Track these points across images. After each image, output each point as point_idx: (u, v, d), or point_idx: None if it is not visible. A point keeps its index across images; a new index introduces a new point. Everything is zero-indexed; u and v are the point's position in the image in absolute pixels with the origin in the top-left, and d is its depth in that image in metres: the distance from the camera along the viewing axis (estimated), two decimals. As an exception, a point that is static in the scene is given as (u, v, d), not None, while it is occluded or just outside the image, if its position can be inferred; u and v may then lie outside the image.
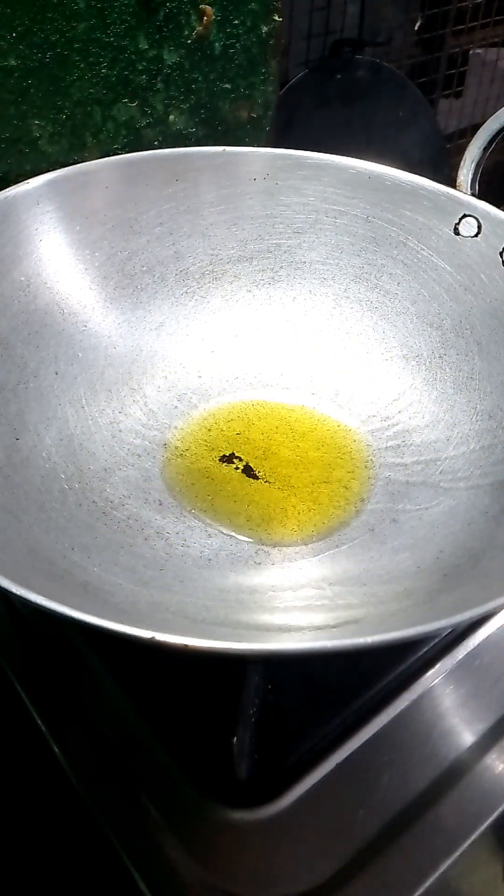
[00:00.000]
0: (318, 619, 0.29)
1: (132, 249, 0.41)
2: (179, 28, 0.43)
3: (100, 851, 0.29)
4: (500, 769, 0.31)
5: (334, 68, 0.82)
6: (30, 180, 0.37)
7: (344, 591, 0.30)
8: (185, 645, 0.21)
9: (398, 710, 0.32)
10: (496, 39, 0.99)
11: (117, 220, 0.40)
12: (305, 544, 0.34)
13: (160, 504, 0.35)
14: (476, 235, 0.38)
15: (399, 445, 0.38)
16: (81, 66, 0.41)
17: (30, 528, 0.29)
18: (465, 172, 0.41)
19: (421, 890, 0.28)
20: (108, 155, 0.41)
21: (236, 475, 0.37)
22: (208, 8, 0.43)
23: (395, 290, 0.41)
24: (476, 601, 0.23)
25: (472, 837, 0.29)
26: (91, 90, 0.42)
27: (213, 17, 0.43)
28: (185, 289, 0.42)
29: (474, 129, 0.40)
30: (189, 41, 0.44)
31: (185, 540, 0.33)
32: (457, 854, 0.28)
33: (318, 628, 0.28)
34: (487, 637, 0.35)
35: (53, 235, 0.38)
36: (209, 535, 0.34)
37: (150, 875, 0.28)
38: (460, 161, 0.41)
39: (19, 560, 0.27)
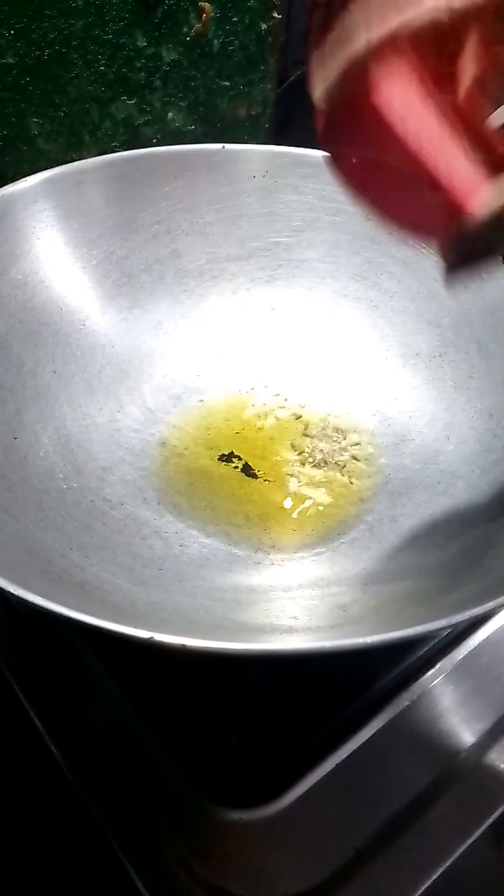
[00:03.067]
0: (318, 619, 0.29)
1: (130, 248, 0.40)
2: (178, 25, 0.43)
3: (98, 851, 0.29)
4: (500, 769, 0.31)
5: (333, 66, 0.82)
6: (27, 178, 0.37)
7: (343, 591, 0.30)
8: (184, 645, 0.21)
9: (398, 710, 0.32)
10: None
11: (115, 218, 0.40)
12: (304, 544, 0.34)
13: (158, 503, 0.35)
14: (475, 233, 0.38)
15: (399, 445, 0.38)
16: (79, 63, 0.41)
17: (27, 528, 0.29)
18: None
19: (421, 890, 0.27)
20: (105, 153, 0.41)
21: (235, 474, 0.37)
22: (207, 5, 0.43)
23: (394, 289, 0.41)
24: (476, 601, 0.23)
25: (473, 837, 0.29)
26: (89, 88, 0.42)
27: (212, 14, 0.43)
28: (183, 287, 0.42)
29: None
30: (187, 38, 0.43)
31: (184, 539, 0.33)
32: (457, 854, 0.28)
33: (318, 628, 0.28)
34: (487, 637, 0.35)
35: (51, 233, 0.38)
36: (207, 535, 0.33)
37: (149, 875, 0.28)
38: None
39: (17, 560, 0.27)
